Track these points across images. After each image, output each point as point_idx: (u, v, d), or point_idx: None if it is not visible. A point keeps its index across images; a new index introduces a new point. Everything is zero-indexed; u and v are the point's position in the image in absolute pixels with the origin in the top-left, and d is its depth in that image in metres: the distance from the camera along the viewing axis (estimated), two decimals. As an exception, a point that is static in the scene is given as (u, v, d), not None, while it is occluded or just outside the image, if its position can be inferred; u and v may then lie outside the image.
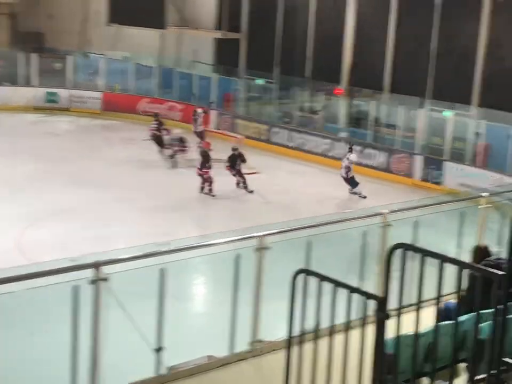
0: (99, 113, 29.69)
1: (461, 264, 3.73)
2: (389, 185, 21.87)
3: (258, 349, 6.48)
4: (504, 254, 8.33)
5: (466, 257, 8.70)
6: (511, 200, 9.94)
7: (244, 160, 20.56)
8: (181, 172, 22.36)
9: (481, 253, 6.76)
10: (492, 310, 5.52)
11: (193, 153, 23.39)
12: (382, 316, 3.98)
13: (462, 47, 23.22)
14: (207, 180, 19.95)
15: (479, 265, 3.76)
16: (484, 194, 8.05)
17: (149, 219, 17.22)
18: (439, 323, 5.79)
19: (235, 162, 20.39)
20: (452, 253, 9.45)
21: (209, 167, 20.09)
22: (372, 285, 7.94)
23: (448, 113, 22.13)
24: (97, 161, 22.74)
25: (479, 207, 8.04)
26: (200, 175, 20.01)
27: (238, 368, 6.26)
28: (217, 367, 6.26)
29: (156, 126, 24.00)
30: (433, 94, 23.56)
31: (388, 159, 22.77)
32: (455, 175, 21.20)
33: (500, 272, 3.43)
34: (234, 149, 20.63)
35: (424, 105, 22.98)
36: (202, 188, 20.01)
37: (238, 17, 29.21)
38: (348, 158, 20.56)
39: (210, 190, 20.01)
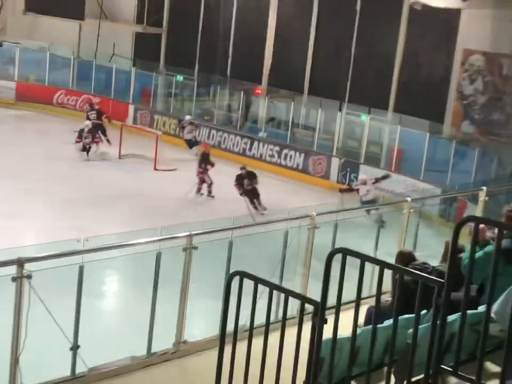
0: (13, 103, 28.74)
1: (400, 271, 3.73)
2: (305, 186, 22.04)
3: (183, 349, 6.36)
4: (424, 259, 8.49)
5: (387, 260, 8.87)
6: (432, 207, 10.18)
7: (252, 178, 19.25)
8: (95, 164, 21.90)
9: (405, 257, 6.84)
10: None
11: (106, 147, 23.07)
12: (319, 321, 3.93)
13: (380, 53, 23.63)
14: (204, 181, 19.78)
15: (419, 273, 3.76)
16: (408, 199, 8.16)
17: (63, 213, 16.77)
18: (364, 327, 5.84)
19: (242, 181, 19.14)
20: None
21: (205, 169, 19.86)
22: (295, 286, 7.97)
23: (365, 117, 22.49)
24: (9, 152, 21.99)
25: (404, 211, 8.14)
26: (199, 176, 19.88)
27: (163, 369, 6.13)
28: (141, 368, 6.11)
29: (95, 115, 23.52)
30: (351, 98, 23.90)
31: (305, 160, 22.95)
32: (370, 178, 21.51)
33: (441, 280, 3.45)
34: (242, 168, 19.37)
35: (342, 108, 23.27)
36: (199, 189, 19.86)
37: (159, 12, 28.87)
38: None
39: (210, 191, 19.93)
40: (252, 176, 19.37)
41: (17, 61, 29.29)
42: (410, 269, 3.82)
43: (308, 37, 25.27)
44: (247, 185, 19.12)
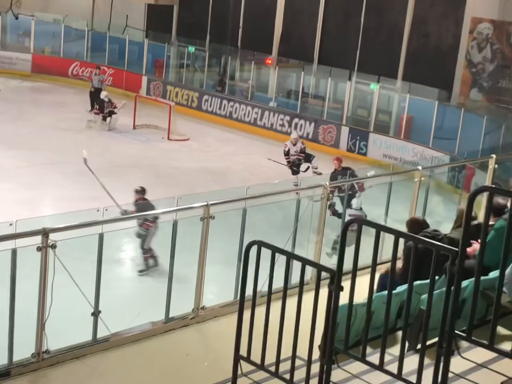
0: (29, 75, 28.71)
1: (415, 240, 3.75)
2: (315, 155, 21.95)
3: (201, 315, 6.44)
4: (434, 225, 8.52)
5: (398, 227, 8.89)
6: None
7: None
8: (110, 135, 21.91)
9: (418, 224, 6.84)
10: (427, 281, 5.62)
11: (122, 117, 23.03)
12: (335, 289, 3.97)
13: (389, 22, 23.43)
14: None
15: (433, 241, 3.78)
16: (419, 167, 8.14)
17: (81, 182, 16.83)
18: (378, 293, 5.89)
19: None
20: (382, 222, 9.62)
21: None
22: (308, 253, 8.02)
23: (374, 86, 22.35)
24: (26, 123, 22.06)
25: (415, 179, 8.14)
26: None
27: (182, 334, 6.21)
28: (160, 333, 6.19)
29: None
30: (361, 67, 23.74)
31: (315, 129, 22.88)
32: (379, 146, 21.50)
33: (455, 249, 3.46)
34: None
35: (352, 77, 23.12)
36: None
37: (170, -17, 28.67)
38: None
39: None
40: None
41: (32, 34, 29.17)
42: (423, 238, 3.83)
43: (318, 7, 25.04)
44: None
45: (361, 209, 10.97)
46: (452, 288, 3.55)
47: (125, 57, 27.86)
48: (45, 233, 5.26)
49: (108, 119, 22.38)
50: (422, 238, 3.82)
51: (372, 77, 22.66)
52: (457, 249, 3.49)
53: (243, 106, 24.65)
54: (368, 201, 11.12)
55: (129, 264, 12.20)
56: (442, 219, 11.77)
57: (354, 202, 10.60)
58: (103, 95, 22.77)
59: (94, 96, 23.50)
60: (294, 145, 18.73)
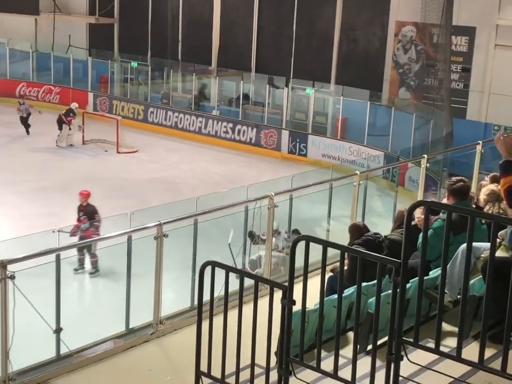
0: (-24, 98, 28.06)
1: (360, 254, 3.76)
2: (259, 158, 22.06)
3: (161, 329, 6.35)
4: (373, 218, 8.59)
5: (340, 228, 8.96)
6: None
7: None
8: (60, 152, 21.51)
9: (359, 230, 6.90)
10: (373, 282, 5.64)
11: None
12: (288, 303, 3.95)
13: (320, 30, 23.60)
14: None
15: (377, 255, 3.80)
16: (357, 172, 8.20)
17: (34, 200, 16.52)
18: (327, 297, 5.90)
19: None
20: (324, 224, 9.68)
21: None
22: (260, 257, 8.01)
23: (310, 90, 22.50)
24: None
25: (354, 183, 8.18)
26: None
27: (143, 350, 6.11)
28: (123, 350, 6.09)
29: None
30: (296, 73, 23.85)
31: (257, 134, 22.91)
32: (318, 147, 21.66)
33: (398, 261, 3.48)
34: None
35: (288, 83, 23.21)
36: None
37: (109, 2, 28.27)
38: None
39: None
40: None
41: (-23, 58, 28.49)
42: (368, 252, 3.84)
43: (252, 19, 25.07)
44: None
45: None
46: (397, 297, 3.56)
47: (70, 75, 27.43)
48: (3, 265, 5.10)
49: (60, 134, 22.07)
50: (366, 252, 3.82)
51: (307, 82, 22.80)
52: (399, 261, 3.50)
53: (187, 116, 24.52)
54: (312, 201, 11.18)
55: (86, 279, 11.99)
56: (380, 215, 11.93)
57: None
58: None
59: (25, 120, 23.53)
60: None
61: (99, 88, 27.48)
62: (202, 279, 4.38)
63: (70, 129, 22.21)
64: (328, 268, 6.91)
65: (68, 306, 7.58)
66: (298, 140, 22.07)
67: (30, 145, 21.74)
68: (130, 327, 6.61)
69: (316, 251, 4.55)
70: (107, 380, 5.63)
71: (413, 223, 6.31)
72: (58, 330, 6.28)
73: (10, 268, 5.23)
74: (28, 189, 17.30)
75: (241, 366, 4.53)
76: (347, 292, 5.80)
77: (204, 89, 25.78)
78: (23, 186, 17.48)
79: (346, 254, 6.17)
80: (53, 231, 6.77)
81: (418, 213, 6.16)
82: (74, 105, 22.77)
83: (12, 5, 27.75)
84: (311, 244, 4.02)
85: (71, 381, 5.62)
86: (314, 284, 4.83)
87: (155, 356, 6.02)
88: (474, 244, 3.71)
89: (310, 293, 4.52)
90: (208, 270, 4.43)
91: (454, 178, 6.19)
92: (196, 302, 5.28)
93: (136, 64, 26.93)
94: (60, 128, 22.23)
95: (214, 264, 4.24)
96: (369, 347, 4.78)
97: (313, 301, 5.05)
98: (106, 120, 23.00)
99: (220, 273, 4.36)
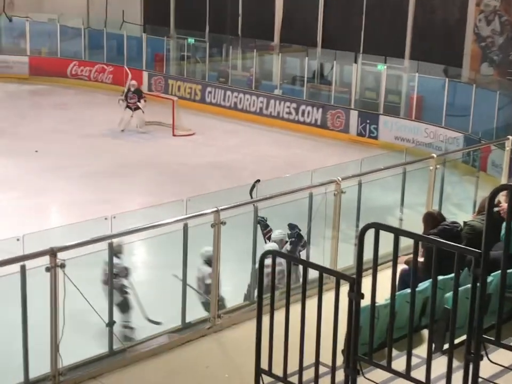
0: (27, 78, 28.69)
1: (435, 243, 3.69)
2: (325, 141, 21.94)
3: (218, 324, 6.40)
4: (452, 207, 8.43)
5: (414, 217, 8.83)
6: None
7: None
8: (114, 135, 21.81)
9: (434, 219, 6.79)
10: (450, 276, 5.54)
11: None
12: (355, 296, 3.92)
13: (393, 0, 23.23)
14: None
15: (455, 244, 3.72)
16: (434, 155, 8.05)
17: (85, 186, 16.85)
18: (399, 292, 5.83)
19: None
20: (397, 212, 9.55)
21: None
22: (325, 251, 7.97)
23: (381, 67, 22.20)
24: (28, 128, 22.05)
25: (430, 168, 8.05)
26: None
27: (200, 345, 6.17)
28: (178, 345, 6.16)
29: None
30: (366, 48, 23.58)
31: (323, 115, 22.77)
32: (390, 128, 21.39)
33: (478, 251, 3.40)
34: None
35: (357, 59, 22.97)
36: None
37: (166, -25, 28.55)
38: None
39: None
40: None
41: (28, 35, 29.11)
42: (445, 241, 3.77)
43: (318, -12, 24.91)
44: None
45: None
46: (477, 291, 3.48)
47: (123, 53, 27.77)
48: (52, 253, 5.22)
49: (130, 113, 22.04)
50: (442, 241, 3.75)
51: (378, 57, 22.50)
52: (480, 251, 3.42)
53: (247, 96, 24.55)
54: (383, 187, 11.05)
55: (140, 270, 12.18)
56: (459, 204, 11.69)
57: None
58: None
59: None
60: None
61: (154, 67, 27.76)
62: (262, 269, 4.40)
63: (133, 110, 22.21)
64: (400, 259, 6.84)
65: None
66: (368, 121, 21.83)
67: (83, 128, 22.16)
68: (186, 321, 6.67)
69: (386, 241, 4.49)
70: (162, 376, 5.70)
71: (495, 209, 6.16)
72: (111, 324, 6.37)
73: (61, 255, 5.35)
74: (79, 174, 17.66)
75: (304, 365, 4.53)
76: (421, 285, 5.72)
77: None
78: (75, 171, 17.85)
79: (420, 244, 6.11)
80: (105, 218, 6.87)
81: (502, 200, 6.03)
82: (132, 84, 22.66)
83: (63, -21, 28.33)
84: (381, 232, 3.98)
85: (124, 377, 5.72)
86: (384, 277, 4.78)
87: (212, 351, 6.07)
88: None
89: (380, 287, 4.48)
90: (269, 260, 4.43)
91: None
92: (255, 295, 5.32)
93: (193, 40, 27.09)
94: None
95: (275, 254, 4.24)
96: (446, 346, 4.71)
97: (383, 296, 5.00)
98: (162, 101, 23.22)
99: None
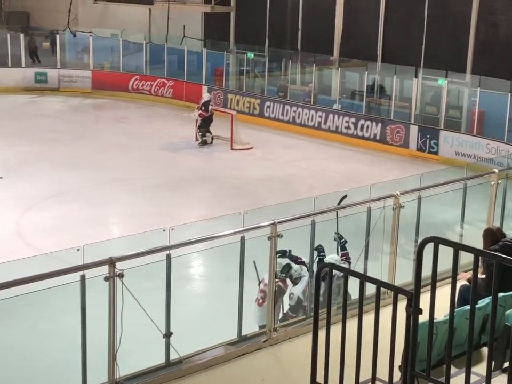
0: (90, 92, 29.32)
1: (497, 258, 3.61)
2: (384, 156, 21.78)
3: (274, 337, 6.39)
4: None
5: (474, 233, 8.67)
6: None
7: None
8: (173, 149, 22.06)
9: (494, 235, 6.66)
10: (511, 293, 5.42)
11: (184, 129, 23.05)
12: (413, 312, 3.86)
13: (455, 14, 22.99)
14: None
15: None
16: (495, 170, 7.91)
17: (144, 198, 17.07)
18: (458, 308, 5.72)
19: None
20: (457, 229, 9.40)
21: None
22: (383, 265, 7.88)
23: (442, 82, 21.95)
24: (90, 141, 22.50)
25: (491, 183, 7.90)
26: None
27: (255, 358, 6.17)
28: (234, 358, 6.17)
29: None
30: (427, 62, 23.36)
31: (382, 129, 22.61)
32: (451, 144, 21.10)
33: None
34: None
35: (418, 73, 22.76)
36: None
37: (226, -10, 28.85)
38: None
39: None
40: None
41: (91, 50, 29.75)
42: (506, 256, 3.69)
43: (379, 2, 24.79)
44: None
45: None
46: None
47: (184, 68, 28.12)
48: (111, 262, 5.30)
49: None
50: (505, 257, 3.67)
51: (439, 72, 22.26)
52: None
53: (306, 110, 24.56)
54: (443, 202, 10.91)
55: (198, 281, 12.26)
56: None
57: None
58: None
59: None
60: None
61: (213, 81, 28.03)
62: (318, 283, 4.37)
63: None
64: (460, 276, 6.72)
65: (178, 309, 7.78)
66: (428, 136, 21.58)
67: (143, 141, 22.49)
68: (242, 334, 6.68)
69: (445, 256, 4.43)
70: (218, 389, 5.72)
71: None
72: (168, 335, 6.41)
73: (119, 265, 5.42)
74: (139, 187, 17.91)
75: (361, 380, 4.49)
76: (481, 302, 5.61)
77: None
78: (134, 184, 18.12)
79: (480, 261, 5.99)
80: (164, 230, 6.95)
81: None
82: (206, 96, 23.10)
83: (125, -5, 28.88)
84: (441, 247, 3.92)
85: (181, 387, 5.75)
86: (443, 293, 4.71)
87: (268, 364, 6.06)
88: None
89: (439, 303, 4.41)
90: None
91: None
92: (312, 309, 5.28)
93: (252, 55, 27.27)
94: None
95: (332, 267, 4.22)
96: (506, 364, 4.61)
97: (442, 312, 4.93)
98: (221, 115, 23.42)
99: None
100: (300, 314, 8.09)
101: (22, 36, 29.45)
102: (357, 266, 8.64)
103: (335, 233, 8.47)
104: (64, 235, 14.06)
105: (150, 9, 30.66)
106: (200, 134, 22.28)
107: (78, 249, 5.91)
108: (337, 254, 8.65)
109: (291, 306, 8.30)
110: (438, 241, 3.73)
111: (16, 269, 5.89)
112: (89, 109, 27.65)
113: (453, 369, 4.69)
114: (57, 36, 29.89)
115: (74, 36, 30.59)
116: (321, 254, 8.50)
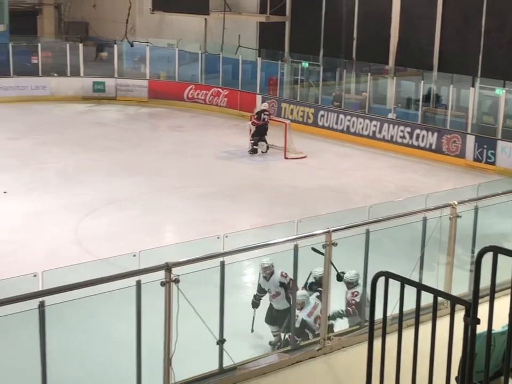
0: (146, 101, 29.70)
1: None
2: (439, 166, 21.52)
3: (328, 346, 6.35)
4: None
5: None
6: None
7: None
8: (226, 157, 22.18)
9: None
10: None
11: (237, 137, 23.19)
12: (471, 322, 3.79)
13: (512, 22, 22.66)
14: None
15: None
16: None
17: (199, 206, 17.20)
18: None
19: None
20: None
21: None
22: (438, 276, 7.78)
23: (500, 91, 21.60)
24: (146, 149, 22.78)
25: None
26: None
27: (309, 367, 6.14)
28: (287, 366, 6.15)
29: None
30: (484, 71, 23.03)
31: (438, 139, 22.34)
32: (509, 154, 20.72)
33: None
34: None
35: (475, 83, 22.45)
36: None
37: (281, 0, 28.92)
38: None
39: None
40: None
41: (148, 60, 30.15)
42: None
43: (435, 10, 24.56)
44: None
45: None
46: None
47: (238, 77, 28.27)
48: (167, 268, 5.35)
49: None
50: None
51: (496, 81, 21.91)
52: None
53: (361, 119, 24.43)
54: (500, 213, 10.72)
55: (250, 289, 12.26)
56: None
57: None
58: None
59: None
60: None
61: (268, 90, 28.11)
62: (374, 292, 4.32)
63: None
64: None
65: (231, 316, 7.81)
66: (485, 146, 21.23)
67: (197, 150, 22.68)
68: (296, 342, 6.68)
69: (504, 267, 4.35)
70: (271, 396, 5.71)
71: None
72: (222, 341, 6.44)
73: (175, 271, 5.47)
74: (193, 195, 18.05)
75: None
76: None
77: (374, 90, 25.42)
78: (189, 191, 18.27)
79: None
80: (218, 237, 7.00)
81: None
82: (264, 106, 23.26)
83: (182, 5, 29.21)
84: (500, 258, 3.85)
85: (233, 394, 5.76)
86: (501, 304, 4.63)
87: (321, 373, 6.03)
88: None
89: (497, 314, 4.33)
90: (381, 282, 4.37)
91: None
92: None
93: (307, 64, 27.27)
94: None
95: (388, 275, 4.17)
96: None
97: (500, 323, 4.83)
98: (275, 124, 23.46)
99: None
100: (306, 337, 8.27)
101: (80, 46, 30.03)
102: (412, 276, 8.55)
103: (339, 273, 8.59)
104: (120, 241, 14.27)
105: (205, 19, 30.97)
106: (252, 142, 22.35)
107: (134, 255, 6.00)
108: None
109: (295, 329, 8.37)
110: (497, 250, 3.66)
111: (73, 273, 6.01)
112: (146, 118, 28.02)
113: (511, 381, 4.60)
114: (115, 46, 30.37)
115: (132, 45, 31.08)
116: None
